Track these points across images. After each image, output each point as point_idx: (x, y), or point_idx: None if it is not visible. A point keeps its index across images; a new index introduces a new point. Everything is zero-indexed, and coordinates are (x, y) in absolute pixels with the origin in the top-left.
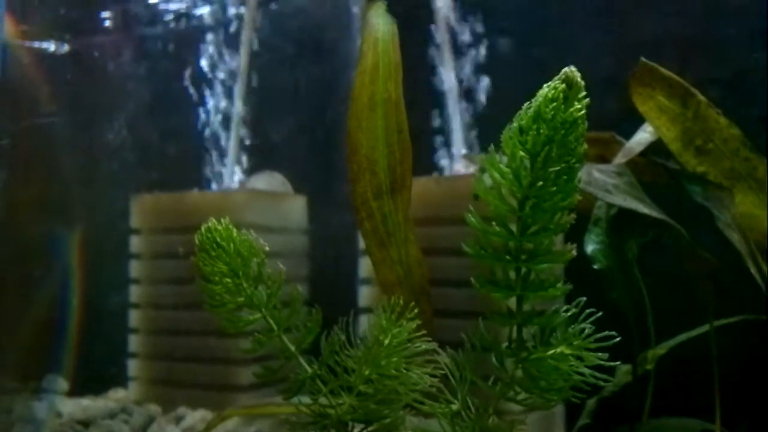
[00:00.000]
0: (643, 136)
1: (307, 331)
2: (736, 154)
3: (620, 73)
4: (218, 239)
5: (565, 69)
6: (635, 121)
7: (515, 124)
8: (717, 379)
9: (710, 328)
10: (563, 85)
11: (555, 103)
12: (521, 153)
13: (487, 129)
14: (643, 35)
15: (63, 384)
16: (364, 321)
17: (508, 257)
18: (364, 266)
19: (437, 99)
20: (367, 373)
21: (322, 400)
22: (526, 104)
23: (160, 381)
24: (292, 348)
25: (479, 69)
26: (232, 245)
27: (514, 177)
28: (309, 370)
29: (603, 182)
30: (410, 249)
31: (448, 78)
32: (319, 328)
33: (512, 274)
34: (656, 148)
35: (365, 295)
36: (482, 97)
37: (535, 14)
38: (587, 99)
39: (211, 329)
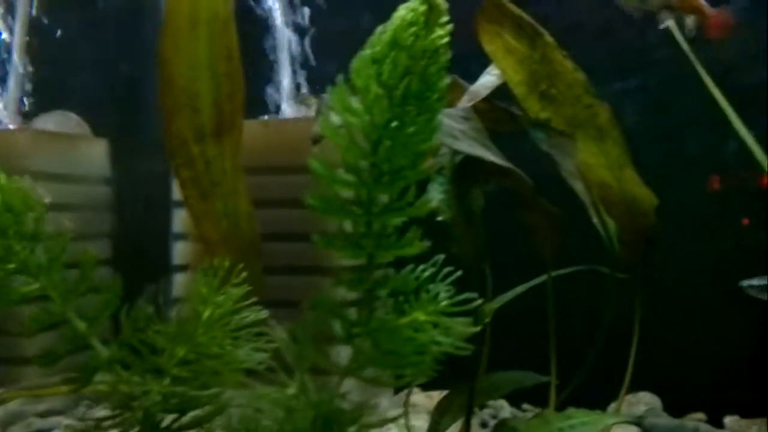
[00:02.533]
0: (489, 79)
1: (102, 307)
2: (579, 101)
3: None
4: None
5: None
6: (478, 64)
7: (367, 52)
8: (554, 332)
9: (548, 279)
10: (424, 7)
11: (414, 28)
12: (376, 87)
13: (318, 68)
14: None
15: None
16: (180, 281)
17: (358, 210)
18: (180, 219)
19: (264, 34)
20: (181, 353)
21: (124, 388)
22: (379, 28)
23: None
24: (82, 326)
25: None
26: None
27: (368, 115)
28: (105, 352)
29: (450, 127)
30: (239, 201)
31: (275, 12)
32: (118, 301)
33: (362, 229)
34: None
35: (181, 251)
36: (311, 32)
37: None
38: (451, 24)
39: None
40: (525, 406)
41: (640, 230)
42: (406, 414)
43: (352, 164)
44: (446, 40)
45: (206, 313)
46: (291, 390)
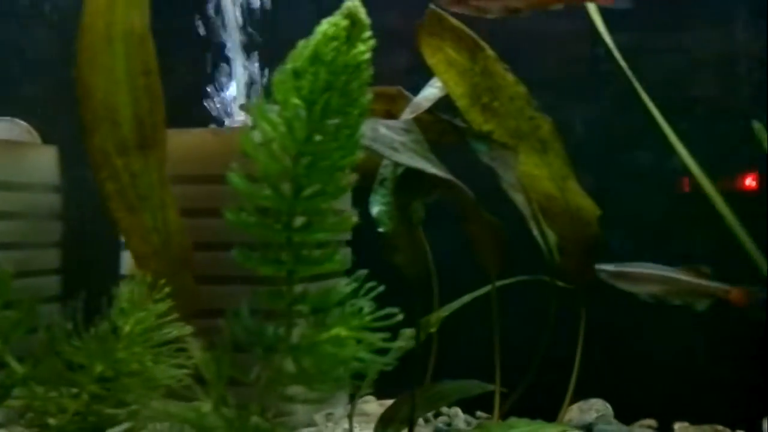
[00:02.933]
0: (432, 91)
1: (14, 324)
2: (521, 113)
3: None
4: None
5: (347, 3)
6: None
7: (288, 65)
8: (498, 341)
9: (492, 289)
10: (346, 22)
11: (336, 43)
12: (296, 101)
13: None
14: None
15: None
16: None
17: (277, 225)
18: None
19: (214, 40)
20: (99, 369)
21: (39, 406)
22: (301, 42)
23: None
24: None
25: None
26: None
27: (287, 129)
28: (20, 369)
29: (390, 139)
30: (168, 214)
31: (227, 17)
32: (33, 319)
33: (281, 244)
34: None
35: (128, 261)
36: (263, 40)
37: None
38: (373, 40)
39: None
40: (479, 413)
41: (584, 240)
42: (350, 424)
43: (272, 179)
44: (368, 55)
45: (126, 329)
46: (206, 407)
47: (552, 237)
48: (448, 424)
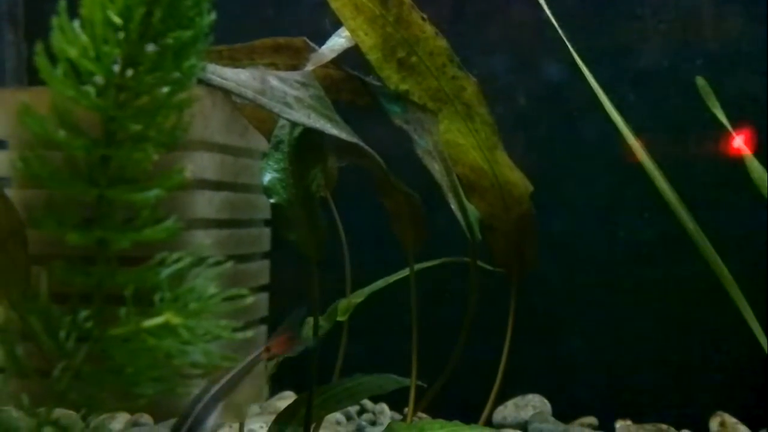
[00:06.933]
0: (338, 41)
1: None
2: (443, 72)
3: None
4: None
5: None
6: None
7: None
8: (416, 330)
9: (410, 273)
10: None
11: None
12: (112, 16)
13: None
14: None
15: None
16: None
17: (80, 180)
18: None
19: None
20: None
21: None
22: None
23: None
24: None
25: None
26: None
27: (96, 54)
28: None
29: (282, 93)
30: None
31: None
32: None
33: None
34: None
35: None
36: None
37: None
38: None
39: None
40: (407, 410)
41: (515, 219)
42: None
43: (70, 120)
44: None
45: None
46: None
47: (474, 212)
48: (373, 422)
